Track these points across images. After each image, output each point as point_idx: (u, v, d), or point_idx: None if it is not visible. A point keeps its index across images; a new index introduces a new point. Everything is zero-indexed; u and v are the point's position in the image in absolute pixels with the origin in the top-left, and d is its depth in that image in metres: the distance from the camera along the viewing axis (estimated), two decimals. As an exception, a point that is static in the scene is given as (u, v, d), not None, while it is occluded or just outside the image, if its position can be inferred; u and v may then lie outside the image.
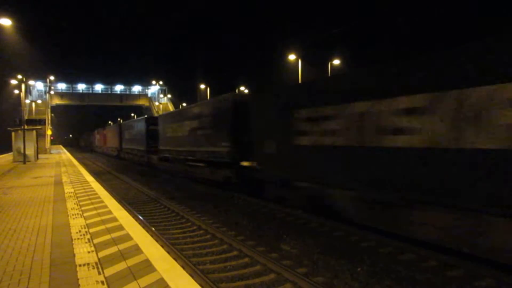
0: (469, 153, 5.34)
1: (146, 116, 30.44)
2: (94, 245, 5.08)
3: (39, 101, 47.16)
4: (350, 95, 7.45)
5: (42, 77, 49.35)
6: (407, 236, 6.58)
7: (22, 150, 22.90)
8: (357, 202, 7.55)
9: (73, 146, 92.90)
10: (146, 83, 60.23)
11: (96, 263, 4.33)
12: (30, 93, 46.70)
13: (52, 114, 55.71)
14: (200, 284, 3.89)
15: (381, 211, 7.05)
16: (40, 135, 31.26)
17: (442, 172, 5.72)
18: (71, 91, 55.90)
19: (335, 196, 8.18)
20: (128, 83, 59.95)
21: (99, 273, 4.02)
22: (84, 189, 10.89)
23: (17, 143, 23.73)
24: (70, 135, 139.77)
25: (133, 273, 4.00)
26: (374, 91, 6.94)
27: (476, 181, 5.28)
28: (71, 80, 56.87)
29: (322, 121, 8.30)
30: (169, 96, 59.40)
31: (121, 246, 4.99)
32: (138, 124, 27.10)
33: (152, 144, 23.58)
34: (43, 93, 50.19)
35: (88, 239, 5.39)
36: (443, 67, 5.79)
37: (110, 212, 7.31)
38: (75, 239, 5.41)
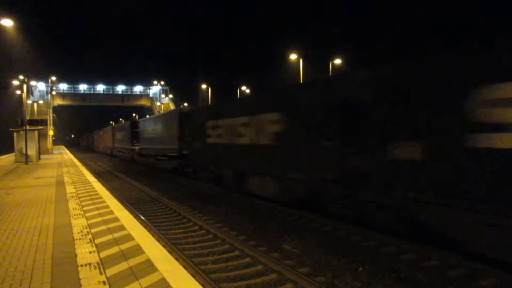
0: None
1: (131, 120, 36.51)
2: (96, 245, 5.09)
3: (41, 102, 47.28)
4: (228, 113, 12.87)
5: (44, 78, 49.44)
6: (246, 191, 11.93)
7: (24, 151, 22.95)
8: (232, 174, 12.87)
9: (75, 146, 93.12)
10: (147, 83, 60.27)
11: (97, 263, 4.34)
12: (32, 94, 46.82)
13: (54, 115, 55.81)
14: (201, 284, 3.89)
15: (239, 177, 12.36)
16: (42, 136, 31.30)
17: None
18: (72, 91, 55.95)
19: (225, 172, 13.50)
20: (130, 83, 60.05)
21: (101, 273, 4.03)
22: (85, 189, 10.92)
23: (19, 144, 23.79)
24: (72, 136, 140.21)
25: (135, 273, 4.01)
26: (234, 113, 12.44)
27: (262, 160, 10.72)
28: (73, 80, 56.95)
29: (216, 128, 13.69)
30: (170, 96, 59.42)
31: (123, 246, 5.00)
32: (125, 126, 34.30)
33: (135, 143, 29.79)
34: (45, 93, 50.25)
35: (90, 239, 5.40)
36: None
37: (111, 212, 7.32)
38: (77, 239, 5.42)
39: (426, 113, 5.84)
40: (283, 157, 9.72)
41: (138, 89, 59.79)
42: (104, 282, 3.78)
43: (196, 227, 8.64)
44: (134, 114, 78.15)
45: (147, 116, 40.25)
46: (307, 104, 8.82)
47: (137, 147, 28.61)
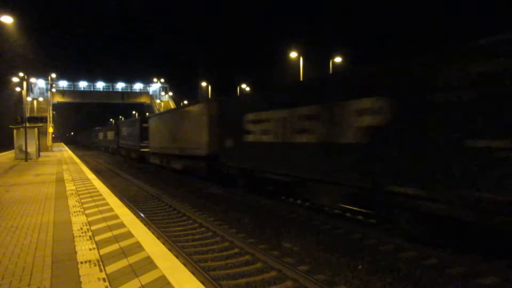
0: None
1: (113, 120, 38.13)
2: (96, 242, 5.09)
3: (40, 99, 47.28)
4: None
5: (44, 75, 49.44)
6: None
7: (23, 148, 22.95)
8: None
9: (75, 144, 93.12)
10: (147, 81, 60.25)
11: (97, 260, 4.34)
12: (32, 91, 46.84)
13: (54, 112, 55.78)
14: (201, 282, 3.89)
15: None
16: (42, 133, 31.32)
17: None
18: (72, 88, 55.99)
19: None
20: (130, 80, 60.03)
21: (101, 270, 4.03)
22: (85, 186, 10.92)
23: (18, 141, 23.77)
24: (72, 133, 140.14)
25: (135, 270, 4.01)
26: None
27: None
28: (73, 77, 57.02)
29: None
30: (170, 93, 59.39)
31: (123, 244, 5.00)
32: (110, 127, 40.40)
33: (117, 140, 33.27)
34: (45, 90, 50.30)
35: (90, 236, 5.40)
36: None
37: (111, 210, 7.32)
38: (76, 236, 5.42)
39: None
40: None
41: (138, 86, 59.81)
42: (104, 279, 3.78)
43: (196, 225, 8.65)
44: (134, 112, 78.17)
45: (147, 113, 39.75)
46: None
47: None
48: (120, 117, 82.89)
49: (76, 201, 8.31)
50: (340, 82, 8.33)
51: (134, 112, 77.66)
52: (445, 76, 5.66)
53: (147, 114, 47.30)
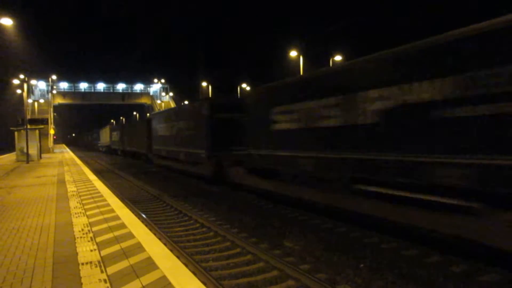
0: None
1: (111, 122, 38.32)
2: (97, 243, 5.09)
3: (41, 101, 47.29)
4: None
5: (44, 77, 49.39)
6: None
7: (25, 150, 22.99)
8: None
9: (76, 145, 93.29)
10: (148, 82, 60.24)
11: (98, 262, 4.34)
12: (33, 93, 46.85)
13: (55, 114, 55.87)
14: (203, 282, 3.89)
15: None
16: (43, 135, 31.36)
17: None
18: (73, 90, 55.97)
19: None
20: (130, 81, 59.96)
21: (102, 271, 4.03)
22: (86, 187, 10.93)
23: (20, 143, 23.81)
24: (73, 134, 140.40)
25: (136, 271, 4.01)
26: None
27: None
28: (73, 79, 57.06)
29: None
30: (171, 94, 59.38)
31: (124, 245, 5.00)
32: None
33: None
34: (46, 92, 50.25)
35: (91, 237, 5.41)
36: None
37: (112, 211, 7.33)
38: (77, 237, 5.42)
39: None
40: None
41: (138, 87, 59.78)
42: (105, 280, 3.78)
43: (198, 225, 8.64)
44: (134, 113, 78.27)
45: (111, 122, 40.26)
46: None
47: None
48: (117, 119, 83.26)
49: (77, 203, 8.32)
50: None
51: (134, 113, 77.78)
52: None
53: (147, 115, 47.22)
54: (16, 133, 24.00)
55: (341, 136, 7.89)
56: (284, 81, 10.54)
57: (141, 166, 25.26)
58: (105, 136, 47.06)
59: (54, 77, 49.02)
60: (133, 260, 4.37)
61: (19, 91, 38.20)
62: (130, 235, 5.46)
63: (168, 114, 20.63)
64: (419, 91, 6.04)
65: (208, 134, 14.03)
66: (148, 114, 46.61)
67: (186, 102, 46.26)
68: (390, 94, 6.58)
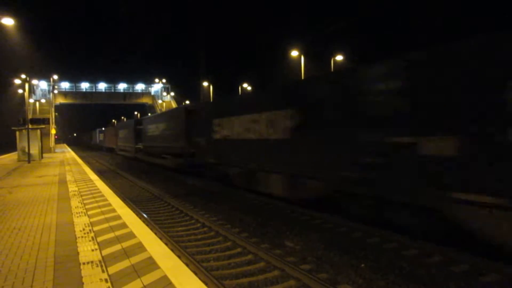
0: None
1: (125, 119, 39.03)
2: (98, 243, 5.10)
3: (43, 100, 47.35)
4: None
5: (46, 77, 49.52)
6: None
7: (26, 150, 23.03)
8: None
9: (78, 145, 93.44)
10: (149, 81, 60.27)
11: (100, 261, 4.35)
12: (34, 93, 46.92)
13: (56, 113, 55.94)
14: (204, 282, 3.89)
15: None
16: (45, 134, 31.40)
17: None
18: (74, 90, 56.04)
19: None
20: (131, 81, 59.98)
21: (103, 271, 4.03)
22: (88, 187, 10.94)
23: (21, 143, 23.84)
24: (75, 134, 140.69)
25: (137, 271, 4.01)
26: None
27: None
28: (75, 79, 57.15)
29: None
30: (172, 94, 59.42)
31: (125, 244, 5.00)
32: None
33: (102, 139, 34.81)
34: (47, 92, 50.33)
35: (92, 237, 5.41)
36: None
37: (114, 210, 7.33)
38: (79, 237, 5.43)
39: None
40: None
41: (139, 87, 59.83)
42: (106, 280, 3.78)
43: (199, 225, 8.65)
44: (135, 112, 78.33)
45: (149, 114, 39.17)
46: None
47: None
48: (118, 119, 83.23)
49: (78, 202, 8.33)
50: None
51: (136, 113, 77.83)
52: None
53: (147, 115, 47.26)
54: (17, 132, 24.03)
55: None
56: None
57: (141, 166, 25.29)
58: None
59: (55, 77, 49.16)
60: (134, 259, 4.38)
61: (20, 91, 38.26)
62: (131, 235, 5.46)
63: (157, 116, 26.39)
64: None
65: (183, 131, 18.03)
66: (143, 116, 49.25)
67: (187, 102, 46.28)
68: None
